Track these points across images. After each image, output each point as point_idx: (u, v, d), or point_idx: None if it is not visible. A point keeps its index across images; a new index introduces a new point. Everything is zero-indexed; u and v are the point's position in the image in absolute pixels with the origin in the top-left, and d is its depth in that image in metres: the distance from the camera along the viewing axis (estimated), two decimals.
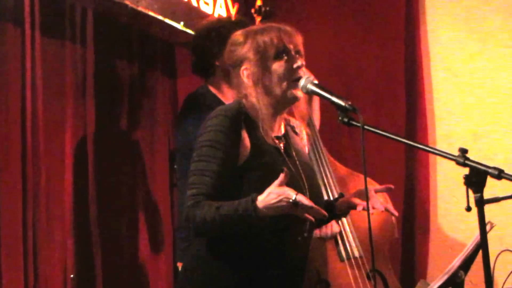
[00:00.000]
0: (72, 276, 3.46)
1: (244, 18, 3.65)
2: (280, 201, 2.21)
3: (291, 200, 2.20)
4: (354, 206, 2.54)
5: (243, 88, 2.42)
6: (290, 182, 2.35)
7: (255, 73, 2.36)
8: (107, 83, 3.94)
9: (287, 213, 2.25)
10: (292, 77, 2.36)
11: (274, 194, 2.22)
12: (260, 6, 3.73)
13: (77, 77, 3.69)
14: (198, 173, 2.38)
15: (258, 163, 2.39)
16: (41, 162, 3.44)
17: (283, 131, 2.51)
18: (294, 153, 2.52)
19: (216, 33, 3.14)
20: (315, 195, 2.46)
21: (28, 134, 3.30)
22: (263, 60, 2.36)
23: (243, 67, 2.42)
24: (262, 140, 2.42)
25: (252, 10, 3.78)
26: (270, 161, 2.42)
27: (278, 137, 2.48)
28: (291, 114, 2.59)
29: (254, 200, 2.22)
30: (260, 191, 2.29)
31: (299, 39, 2.40)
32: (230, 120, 2.35)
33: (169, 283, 3.86)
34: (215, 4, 4.06)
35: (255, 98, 2.41)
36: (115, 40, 3.94)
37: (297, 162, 2.50)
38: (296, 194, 2.21)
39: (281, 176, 2.21)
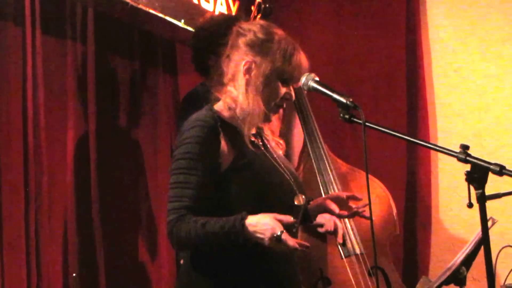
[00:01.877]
0: (74, 275, 3.43)
1: (242, 15, 3.65)
2: (265, 230, 2.22)
3: (275, 235, 2.20)
4: (330, 211, 2.56)
5: (235, 78, 2.37)
6: (276, 177, 2.43)
7: (256, 78, 2.33)
8: (108, 81, 3.93)
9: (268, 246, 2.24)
10: (279, 102, 2.36)
11: (263, 225, 2.24)
12: (260, 3, 3.72)
13: (78, 76, 3.67)
14: (179, 185, 2.37)
15: (242, 163, 2.39)
16: (43, 161, 3.39)
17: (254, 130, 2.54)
18: (270, 148, 2.54)
19: (215, 29, 3.11)
20: (298, 185, 2.47)
21: (30, 132, 3.27)
22: (273, 75, 2.33)
23: (250, 63, 2.36)
24: (241, 141, 2.41)
25: (252, 7, 3.78)
26: (254, 159, 2.42)
27: (253, 134, 2.47)
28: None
29: (243, 218, 2.22)
30: (249, 190, 2.35)
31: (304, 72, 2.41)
32: (207, 129, 2.33)
33: (171, 281, 3.74)
34: (216, 2, 4.04)
35: (242, 94, 2.38)
36: (116, 38, 3.91)
37: (275, 155, 2.51)
38: (282, 232, 2.20)
39: (285, 217, 2.22)
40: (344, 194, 2.59)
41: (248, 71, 2.34)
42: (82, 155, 3.63)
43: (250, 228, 2.23)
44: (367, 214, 2.93)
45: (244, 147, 2.41)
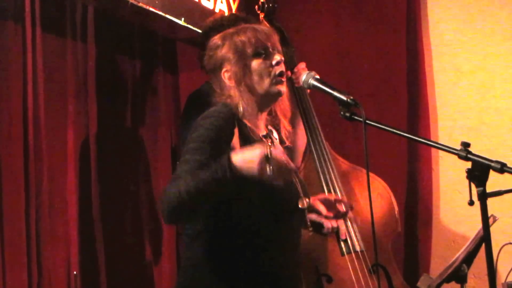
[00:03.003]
0: (75, 272, 3.40)
1: (247, 15, 3.53)
2: (253, 155, 2.20)
3: (265, 153, 2.18)
4: (318, 212, 2.55)
5: (226, 90, 2.43)
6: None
7: (236, 73, 2.39)
8: (109, 80, 3.93)
9: (258, 177, 2.19)
10: (273, 73, 2.39)
11: (250, 151, 2.23)
12: (263, 3, 3.72)
13: (78, 74, 3.67)
14: (181, 164, 2.35)
15: None
16: (43, 160, 3.39)
17: (265, 131, 2.54)
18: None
19: (214, 30, 3.05)
20: (303, 188, 2.49)
21: (30, 131, 3.26)
22: (242, 59, 2.40)
23: (223, 69, 2.44)
24: (251, 139, 2.44)
25: (256, 7, 3.77)
26: None
27: (264, 136, 2.50)
28: (273, 113, 2.60)
29: (229, 154, 2.21)
30: (253, 191, 2.32)
31: (275, 38, 2.44)
32: (223, 120, 2.36)
33: (172, 280, 3.66)
34: (216, 0, 4.06)
35: (239, 98, 2.43)
36: (117, 36, 3.91)
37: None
38: (271, 150, 2.21)
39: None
40: (332, 197, 2.59)
41: (229, 77, 2.41)
42: (83, 154, 3.63)
43: (237, 157, 2.22)
44: (365, 213, 3.28)
45: (250, 142, 2.45)
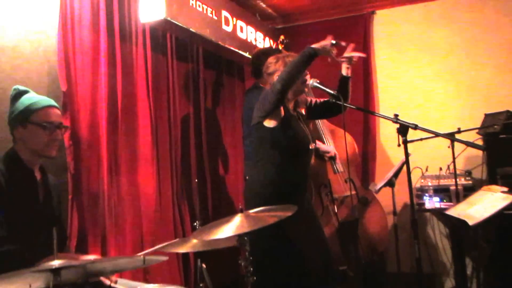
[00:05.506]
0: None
1: (277, 48, 4.31)
2: (326, 44, 2.66)
3: (332, 42, 2.68)
4: (351, 58, 2.97)
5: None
6: (301, 132, 2.87)
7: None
8: (212, 88, 4.58)
9: (328, 51, 2.66)
10: (305, 79, 2.82)
11: (323, 43, 2.67)
12: (283, 40, 4.48)
13: (196, 84, 4.30)
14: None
15: (286, 121, 2.83)
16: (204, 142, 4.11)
17: (292, 107, 2.93)
18: (299, 118, 2.97)
19: (264, 55, 3.56)
20: (312, 138, 2.92)
21: (173, 125, 3.80)
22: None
23: (275, 75, 2.85)
24: (288, 112, 2.86)
25: (278, 41, 4.53)
26: (291, 120, 2.86)
27: (292, 110, 2.94)
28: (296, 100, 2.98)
29: (309, 46, 2.64)
30: (287, 135, 2.78)
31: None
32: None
33: None
34: (263, 43, 4.71)
35: None
36: (213, 62, 4.56)
37: (300, 124, 2.94)
38: (332, 43, 2.66)
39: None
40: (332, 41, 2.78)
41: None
42: (196, 133, 4.18)
43: (317, 45, 2.67)
44: (341, 153, 3.96)
45: (288, 114, 2.86)
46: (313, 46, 2.62)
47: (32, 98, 2.26)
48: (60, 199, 2.43)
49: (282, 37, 4.43)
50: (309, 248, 2.84)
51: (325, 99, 3.06)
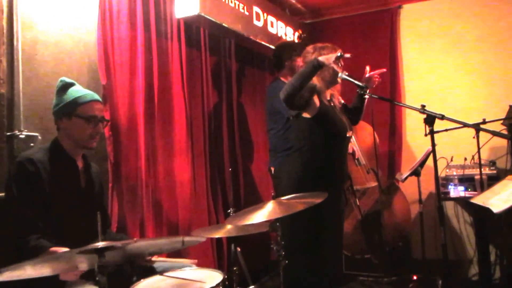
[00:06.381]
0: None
1: (300, 42, 4.36)
2: (330, 56, 2.66)
3: (338, 54, 2.70)
4: (371, 82, 2.98)
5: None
6: (338, 120, 2.88)
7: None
8: (243, 79, 4.63)
9: (331, 67, 2.70)
10: (339, 70, 2.81)
11: (328, 56, 2.67)
12: (300, 34, 4.66)
13: (228, 77, 4.36)
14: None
15: (322, 110, 2.84)
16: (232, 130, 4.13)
17: (329, 97, 2.94)
18: (335, 106, 2.99)
19: (288, 47, 3.73)
20: (348, 125, 2.94)
21: (207, 118, 3.82)
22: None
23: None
24: (323, 101, 2.87)
25: (297, 35, 4.69)
26: (327, 109, 2.87)
27: (328, 100, 2.93)
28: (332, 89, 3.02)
29: (316, 58, 2.67)
30: (324, 124, 2.79)
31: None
32: (313, 86, 2.78)
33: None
34: (286, 36, 4.71)
35: (316, 80, 2.85)
36: (245, 56, 4.62)
37: (337, 110, 2.97)
38: (339, 54, 2.66)
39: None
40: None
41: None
42: (220, 125, 4.19)
43: (320, 57, 2.66)
44: (366, 142, 3.97)
45: (323, 103, 2.87)
46: (319, 58, 2.67)
47: (79, 91, 2.31)
48: (103, 186, 2.48)
49: (299, 31, 4.57)
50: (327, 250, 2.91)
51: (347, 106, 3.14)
